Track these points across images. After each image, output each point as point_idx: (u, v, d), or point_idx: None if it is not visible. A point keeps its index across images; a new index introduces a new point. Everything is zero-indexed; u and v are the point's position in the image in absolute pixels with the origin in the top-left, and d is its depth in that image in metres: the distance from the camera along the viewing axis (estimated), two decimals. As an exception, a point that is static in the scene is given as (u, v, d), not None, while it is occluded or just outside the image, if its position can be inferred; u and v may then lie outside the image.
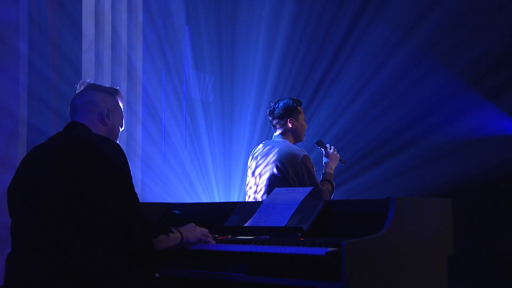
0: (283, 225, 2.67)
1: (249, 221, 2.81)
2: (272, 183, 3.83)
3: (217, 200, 5.88)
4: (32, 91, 4.36)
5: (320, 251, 2.23)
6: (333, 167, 4.05)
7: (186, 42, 6.11)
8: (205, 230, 2.60)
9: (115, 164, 2.22)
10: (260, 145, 4.12)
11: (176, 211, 3.20)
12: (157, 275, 2.47)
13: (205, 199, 5.86)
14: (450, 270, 2.59)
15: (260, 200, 3.86)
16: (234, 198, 5.94)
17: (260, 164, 3.96)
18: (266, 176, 3.89)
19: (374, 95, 5.85)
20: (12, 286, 2.17)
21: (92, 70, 5.00)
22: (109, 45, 5.18)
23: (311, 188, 2.86)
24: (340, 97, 6.02)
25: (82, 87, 2.57)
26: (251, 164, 4.06)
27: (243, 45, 6.28)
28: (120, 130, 2.60)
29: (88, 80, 2.61)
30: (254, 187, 3.96)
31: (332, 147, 4.11)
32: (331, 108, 6.02)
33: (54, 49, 4.70)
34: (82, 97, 2.50)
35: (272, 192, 2.94)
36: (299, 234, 2.61)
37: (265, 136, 5.89)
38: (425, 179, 5.47)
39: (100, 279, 2.12)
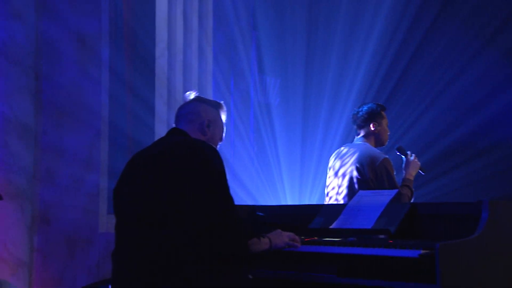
0: (369, 227, 2.68)
1: (334, 223, 2.83)
2: (352, 184, 3.87)
3: (288, 202, 5.91)
4: (112, 95, 4.56)
5: (412, 253, 2.21)
6: (413, 174, 3.99)
7: (253, 46, 6.18)
8: (292, 234, 2.62)
9: (213, 167, 2.32)
10: (343, 147, 4.16)
11: (260, 213, 3.26)
12: (250, 276, 2.52)
13: (275, 202, 5.89)
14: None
15: (341, 201, 3.90)
16: (306, 201, 5.95)
17: (342, 166, 4.00)
18: (347, 178, 3.93)
19: (456, 98, 5.76)
20: (119, 281, 2.29)
21: (165, 76, 5.14)
22: (181, 51, 5.30)
23: (397, 190, 2.87)
24: (419, 100, 5.95)
25: (188, 99, 2.70)
26: (334, 164, 4.09)
27: (317, 48, 6.27)
28: (219, 142, 2.70)
29: (194, 92, 2.73)
30: (337, 188, 4.00)
31: (413, 154, 4.06)
32: (410, 110, 5.96)
33: (132, 55, 4.88)
34: (186, 108, 2.65)
35: (356, 195, 2.96)
36: (386, 237, 2.61)
37: (339, 139, 5.88)
38: (508, 183, 5.35)
39: (197, 278, 2.20)
